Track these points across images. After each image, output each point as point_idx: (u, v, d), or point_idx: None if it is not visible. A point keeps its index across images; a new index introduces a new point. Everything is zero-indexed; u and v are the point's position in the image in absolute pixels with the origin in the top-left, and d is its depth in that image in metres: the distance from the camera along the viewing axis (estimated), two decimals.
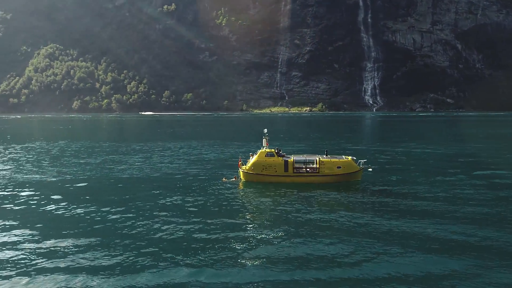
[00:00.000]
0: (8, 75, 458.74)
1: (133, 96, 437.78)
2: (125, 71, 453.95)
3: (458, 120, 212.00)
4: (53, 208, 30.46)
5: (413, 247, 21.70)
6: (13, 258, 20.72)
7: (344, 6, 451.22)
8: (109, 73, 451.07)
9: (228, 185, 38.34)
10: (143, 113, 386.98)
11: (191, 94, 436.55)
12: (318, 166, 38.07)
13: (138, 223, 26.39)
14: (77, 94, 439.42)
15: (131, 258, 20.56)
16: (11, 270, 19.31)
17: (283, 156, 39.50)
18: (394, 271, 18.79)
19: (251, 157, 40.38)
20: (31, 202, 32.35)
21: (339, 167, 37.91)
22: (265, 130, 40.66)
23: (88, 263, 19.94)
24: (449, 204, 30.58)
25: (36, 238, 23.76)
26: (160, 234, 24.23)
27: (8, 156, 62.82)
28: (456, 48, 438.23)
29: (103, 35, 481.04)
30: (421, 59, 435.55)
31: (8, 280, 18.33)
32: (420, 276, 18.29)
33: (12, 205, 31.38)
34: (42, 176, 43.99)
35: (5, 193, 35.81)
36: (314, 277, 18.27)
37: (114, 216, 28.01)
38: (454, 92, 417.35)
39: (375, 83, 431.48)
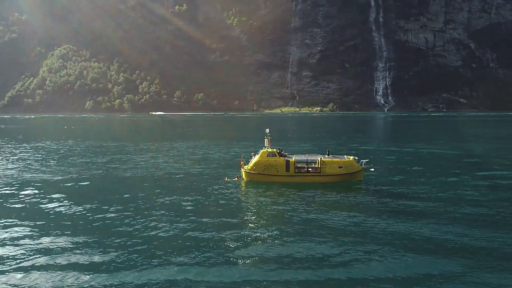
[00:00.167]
0: (23, 76, 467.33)
1: (144, 96, 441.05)
2: (137, 72, 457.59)
3: (470, 120, 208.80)
4: (54, 206, 30.97)
5: (414, 247, 21.58)
6: (11, 254, 21.16)
7: (355, 6, 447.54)
8: (121, 74, 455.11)
9: (230, 184, 38.49)
10: (153, 113, 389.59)
11: (202, 94, 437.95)
12: (319, 166, 38.03)
13: (137, 221, 26.71)
14: (90, 95, 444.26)
15: (126, 255, 20.82)
16: (9, 266, 19.71)
17: (285, 156, 39.56)
18: (396, 271, 18.72)
19: (253, 157, 40.54)
20: (33, 200, 32.94)
21: (340, 167, 37.82)
22: (267, 130, 40.70)
23: (84, 260, 20.27)
24: (449, 205, 30.25)
25: (33, 235, 24.22)
26: (157, 232, 24.49)
27: (18, 155, 63.94)
28: (469, 47, 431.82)
29: (115, 36, 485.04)
30: (434, 59, 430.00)
31: (4, 275, 18.73)
32: (420, 276, 18.25)
33: (14, 203, 31.97)
34: (48, 175, 44.70)
35: (9, 191, 36.49)
36: (316, 277, 18.27)
37: (113, 215, 28.38)
38: (467, 91, 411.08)
39: (387, 83, 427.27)
